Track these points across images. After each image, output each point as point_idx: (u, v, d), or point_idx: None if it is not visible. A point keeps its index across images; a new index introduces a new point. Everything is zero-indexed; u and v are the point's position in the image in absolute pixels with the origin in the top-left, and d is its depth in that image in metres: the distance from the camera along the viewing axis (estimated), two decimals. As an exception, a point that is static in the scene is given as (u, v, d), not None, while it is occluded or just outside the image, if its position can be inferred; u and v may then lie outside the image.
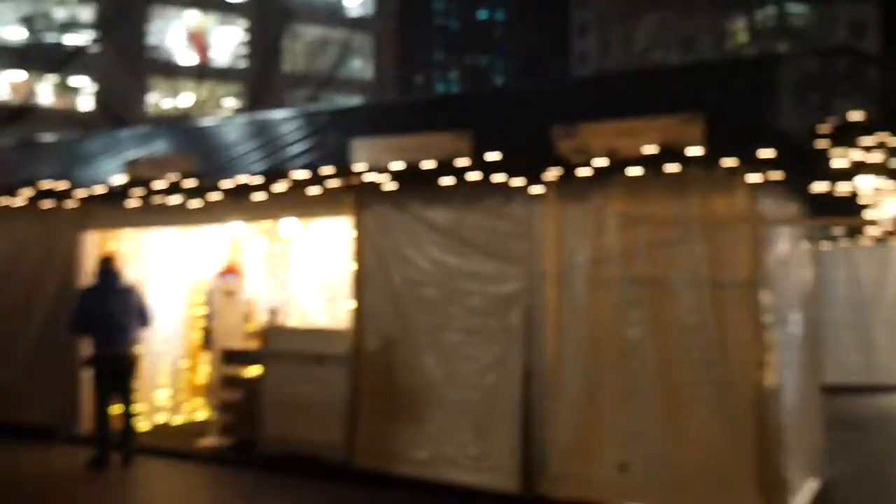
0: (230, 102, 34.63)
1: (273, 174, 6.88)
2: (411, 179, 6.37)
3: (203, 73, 33.68)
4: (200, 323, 9.36)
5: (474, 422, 6.54)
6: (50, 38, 28.59)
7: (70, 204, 8.21)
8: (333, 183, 6.63)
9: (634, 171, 5.59)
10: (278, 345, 7.82)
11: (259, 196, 7.08)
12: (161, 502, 7.04)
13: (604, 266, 6.07)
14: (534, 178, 5.96)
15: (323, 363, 7.47)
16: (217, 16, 37.44)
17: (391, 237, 6.94)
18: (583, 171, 5.75)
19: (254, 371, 8.11)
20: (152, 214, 8.02)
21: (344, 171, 6.56)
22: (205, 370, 9.62)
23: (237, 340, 8.61)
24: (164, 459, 8.08)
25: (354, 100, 34.34)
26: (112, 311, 7.52)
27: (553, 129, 5.82)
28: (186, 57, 36.73)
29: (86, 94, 33.27)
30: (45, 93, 33.80)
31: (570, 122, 5.81)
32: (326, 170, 6.63)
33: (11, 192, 8.47)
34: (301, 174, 6.77)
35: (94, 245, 8.64)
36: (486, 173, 6.06)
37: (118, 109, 22.24)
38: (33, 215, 8.80)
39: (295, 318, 9.27)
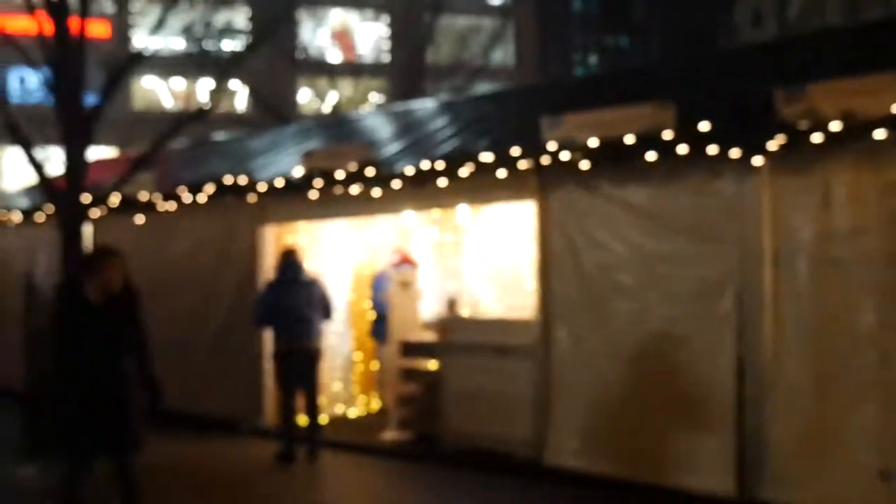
0: (376, 97, 35.13)
1: (457, 158, 6.57)
2: (607, 156, 5.89)
3: (349, 70, 34.33)
4: (370, 315, 9.28)
5: (681, 418, 6.01)
6: (209, 45, 29.89)
7: (250, 198, 8.26)
8: (523, 164, 6.23)
9: (879, 133, 4.88)
10: (459, 336, 7.54)
11: (440, 182, 6.80)
12: (350, 497, 6.93)
13: (832, 245, 5.37)
14: (751, 149, 5.34)
15: (508, 355, 7.13)
16: (361, 13, 38.06)
17: (581, 220, 6.48)
18: (815, 138, 5.09)
19: (433, 363, 7.89)
20: (329, 206, 7.92)
21: (534, 150, 6.15)
22: (376, 362, 9.55)
23: (413, 332, 8.42)
24: (345, 453, 8.00)
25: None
26: (296, 304, 7.46)
27: (774, 94, 5.19)
28: (333, 55, 37.57)
29: (241, 95, 34.63)
30: (203, 97, 35.53)
31: (794, 84, 5.16)
32: (515, 150, 6.25)
33: (195, 189, 8.61)
34: (487, 157, 6.42)
35: (272, 239, 8.68)
36: (695, 146, 5.50)
37: (279, 108, 22.85)
38: (212, 212, 8.95)
39: (467, 309, 9.01)
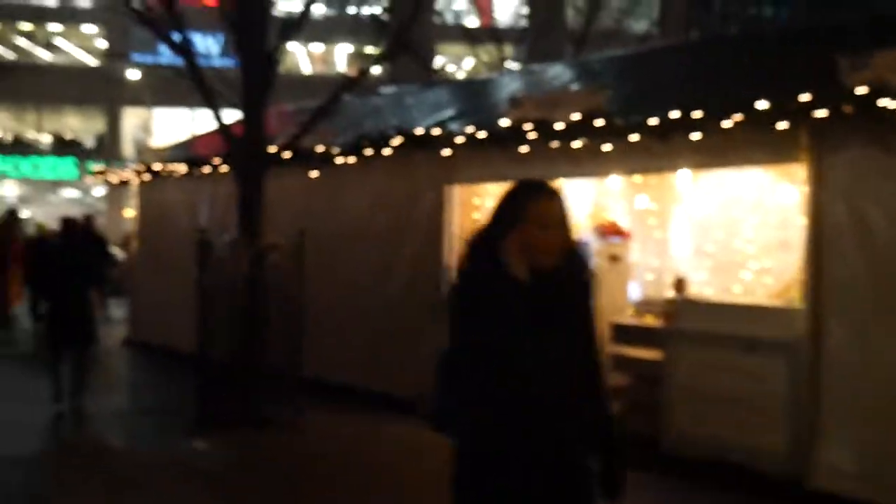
0: (513, 64, 33.90)
1: (721, 107, 5.33)
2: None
3: (485, 35, 33.33)
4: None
5: None
6: (348, 9, 29.48)
7: (443, 152, 7.26)
8: (820, 113, 4.94)
9: None
10: (691, 323, 6.35)
11: (693, 136, 5.58)
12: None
13: None
14: None
15: (756, 349, 5.89)
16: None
17: (877, 188, 5.15)
18: None
19: (651, 352, 6.74)
20: (533, 163, 6.83)
21: (832, 96, 4.85)
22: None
23: (621, 313, 7.30)
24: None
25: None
26: None
27: None
28: (471, 20, 36.52)
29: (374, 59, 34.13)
30: (340, 61, 35.26)
31: None
32: (804, 96, 4.95)
33: (379, 142, 7.69)
34: (762, 104, 5.15)
35: (458, 200, 7.71)
36: None
37: (430, 68, 21.99)
38: (393, 167, 8.03)
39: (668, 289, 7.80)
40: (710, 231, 7.82)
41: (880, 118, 4.79)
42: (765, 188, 7.32)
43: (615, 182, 7.83)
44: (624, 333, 6.99)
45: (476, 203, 7.82)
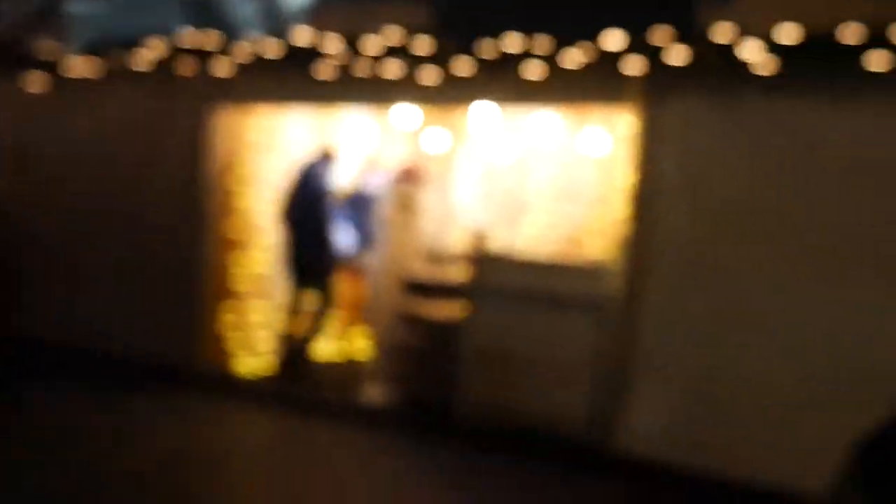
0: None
1: (568, 37, 4.70)
2: (808, 57, 4.28)
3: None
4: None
5: (813, 406, 4.68)
6: None
7: (219, 68, 5.95)
8: (679, 55, 4.48)
9: None
10: (493, 279, 5.80)
11: (529, 70, 4.92)
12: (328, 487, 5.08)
13: None
14: None
15: (566, 309, 5.50)
16: None
17: (712, 140, 4.87)
18: None
19: (447, 310, 6.13)
20: (325, 84, 5.81)
21: (693, 36, 4.42)
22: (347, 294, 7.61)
23: (413, 266, 6.60)
24: (313, 410, 6.15)
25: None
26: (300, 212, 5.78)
27: None
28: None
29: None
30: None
31: None
32: (661, 34, 4.46)
33: (132, 47, 6.16)
34: (615, 38, 4.60)
35: (227, 125, 6.47)
36: None
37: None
38: (140, 81, 6.54)
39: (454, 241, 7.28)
40: (501, 176, 7.37)
41: (736, 69, 4.46)
42: (563, 134, 7.00)
43: (401, 115, 7.03)
44: (417, 289, 6.30)
45: (244, 126, 6.62)
